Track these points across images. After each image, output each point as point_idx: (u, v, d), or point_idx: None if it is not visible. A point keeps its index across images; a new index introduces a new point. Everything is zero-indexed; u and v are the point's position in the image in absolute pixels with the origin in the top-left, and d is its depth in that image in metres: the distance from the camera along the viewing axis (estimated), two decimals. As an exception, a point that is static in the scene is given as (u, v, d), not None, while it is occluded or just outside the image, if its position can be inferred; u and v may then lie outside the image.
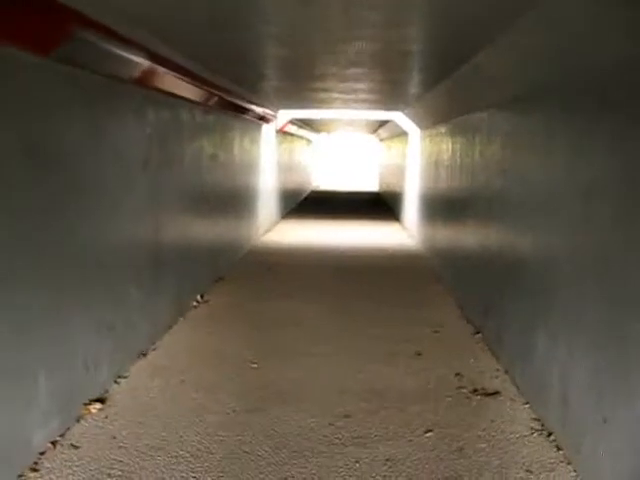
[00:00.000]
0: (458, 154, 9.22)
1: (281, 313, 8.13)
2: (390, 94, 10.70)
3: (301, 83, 9.57)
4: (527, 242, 5.64)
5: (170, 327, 7.33)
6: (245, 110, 10.84)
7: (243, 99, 10.71)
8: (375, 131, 27.69)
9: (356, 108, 13.71)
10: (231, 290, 9.35)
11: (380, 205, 24.74)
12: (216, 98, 8.83)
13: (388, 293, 9.40)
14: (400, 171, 19.76)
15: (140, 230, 6.40)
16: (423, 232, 13.33)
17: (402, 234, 16.07)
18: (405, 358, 6.48)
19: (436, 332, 7.41)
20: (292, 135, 21.01)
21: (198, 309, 8.26)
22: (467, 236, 8.36)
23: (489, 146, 7.36)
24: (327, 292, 9.30)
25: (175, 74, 6.82)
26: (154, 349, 6.59)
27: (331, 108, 14.10)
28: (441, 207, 10.81)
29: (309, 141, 29.47)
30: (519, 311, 5.72)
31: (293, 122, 18.46)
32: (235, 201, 11.47)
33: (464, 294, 8.42)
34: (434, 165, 11.79)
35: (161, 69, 6.33)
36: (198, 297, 8.65)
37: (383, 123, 21.04)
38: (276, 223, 17.42)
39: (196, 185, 8.58)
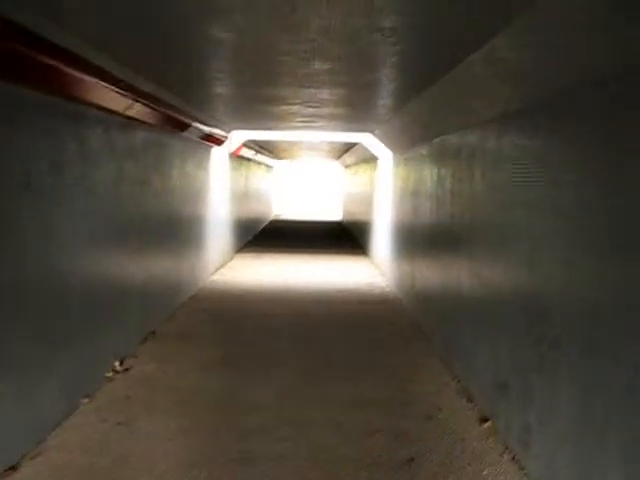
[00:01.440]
0: (448, 181, 7.41)
1: (222, 393, 6.17)
2: (358, 108, 8.91)
3: (255, 93, 7.71)
4: (559, 284, 3.81)
5: (67, 416, 5.34)
6: (187, 127, 8.95)
7: (185, 115, 8.82)
8: (339, 157, 25.96)
9: (320, 128, 11.89)
10: (162, 353, 7.36)
11: (345, 236, 22.92)
12: (147, 110, 6.96)
13: (361, 358, 7.49)
14: (367, 200, 17.97)
15: (26, 269, 4.43)
16: (397, 270, 11.49)
17: (371, 271, 14.22)
18: (391, 469, 4.57)
19: (429, 419, 5.52)
20: (249, 160, 19.14)
21: (113, 382, 6.26)
22: (466, 278, 6.53)
23: (495, 172, 5.56)
24: (284, 360, 7.34)
25: (78, 71, 4.93)
26: (33, 457, 4.60)
27: (291, 129, 12.27)
28: (423, 242, 8.99)
29: (269, 167, 27.63)
30: (559, 396, 3.87)
31: (249, 146, 16.60)
32: (174, 234, 9.52)
33: (461, 359, 6.56)
34: (412, 194, 9.99)
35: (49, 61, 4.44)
36: (116, 363, 6.66)
37: (349, 147, 19.28)
38: (230, 259, 15.45)
39: (115, 216, 6.64)
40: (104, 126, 6.26)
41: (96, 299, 6.06)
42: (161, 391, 6.06)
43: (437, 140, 8.07)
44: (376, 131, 12.07)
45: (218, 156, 13.29)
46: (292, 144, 18.84)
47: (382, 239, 14.01)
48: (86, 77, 5.26)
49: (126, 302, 7.11)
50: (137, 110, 6.93)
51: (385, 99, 7.76)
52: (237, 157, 16.28)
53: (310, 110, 8.95)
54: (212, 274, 12.88)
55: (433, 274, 8.17)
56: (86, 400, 5.71)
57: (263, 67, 5.99)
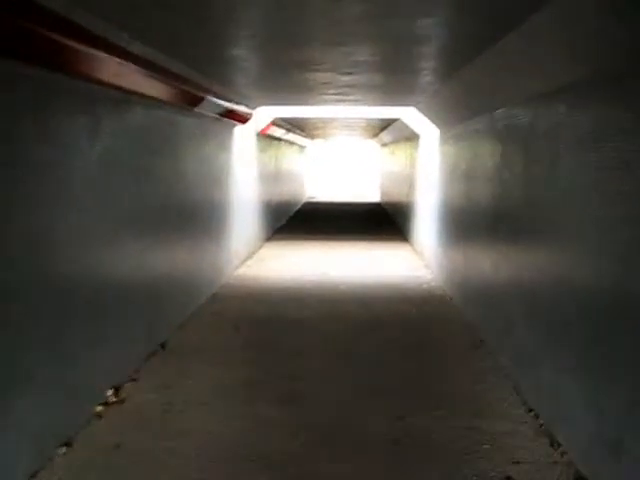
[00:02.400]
0: (518, 161, 5.98)
1: (243, 440, 4.89)
2: (401, 75, 7.51)
3: (280, 57, 6.36)
4: None
5: (32, 476, 4.09)
6: (200, 101, 7.64)
7: (198, 87, 7.52)
8: (376, 135, 24.49)
9: (355, 102, 10.48)
10: (170, 374, 6.09)
11: (383, 219, 21.50)
12: (148, 80, 5.72)
13: (411, 382, 6.15)
14: (407, 181, 16.52)
15: None
16: (446, 261, 10.08)
17: (414, 261, 12.81)
18: None
19: None
20: (279, 140, 17.80)
21: (101, 422, 5.01)
22: (543, 277, 5.14)
23: (592, 153, 4.16)
24: (322, 386, 6.03)
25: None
26: None
27: (324, 103, 10.88)
28: (482, 231, 7.57)
29: (301, 147, 26.27)
30: None
31: (279, 124, 15.26)
32: (190, 224, 8.23)
33: (541, 387, 5.18)
34: (465, 175, 8.56)
35: None
36: (109, 392, 5.41)
37: (387, 125, 17.83)
38: (258, 248, 14.16)
39: (107, 207, 5.37)
40: (86, 100, 4.96)
41: (82, 307, 4.79)
42: (161, 437, 4.78)
43: (500, 112, 6.63)
44: (420, 104, 10.63)
45: (243, 135, 11.97)
46: (325, 122, 17.44)
47: (426, 224, 12.60)
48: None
49: (127, 309, 5.86)
50: (132, 80, 5.65)
51: (436, 60, 6.34)
52: (266, 136, 14.96)
53: (344, 79, 7.56)
54: (237, 267, 11.61)
55: (496, 269, 6.76)
56: (63, 450, 4.47)
57: (289, 15, 4.64)
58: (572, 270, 4.46)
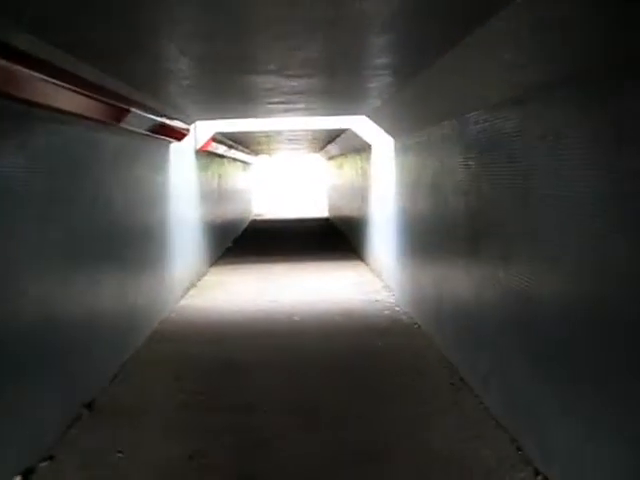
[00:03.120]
0: (504, 173, 5.06)
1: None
2: (353, 82, 6.59)
3: (217, 53, 5.35)
4: None
5: None
6: (125, 114, 6.57)
7: (123, 100, 6.47)
8: (322, 148, 23.59)
9: (303, 111, 9.52)
10: (94, 449, 4.95)
11: (333, 235, 20.57)
12: (55, 90, 4.67)
13: (388, 440, 5.16)
14: (358, 194, 15.62)
15: None
16: (410, 282, 9.15)
17: (372, 282, 11.85)
18: None
19: None
20: (221, 157, 16.73)
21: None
22: (546, 295, 4.21)
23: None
24: (288, 462, 5.00)
25: None
26: None
27: (268, 113, 9.90)
28: (455, 246, 6.66)
29: (246, 164, 25.22)
30: None
31: (220, 140, 14.20)
32: (117, 254, 7.15)
33: (558, 443, 4.24)
34: (430, 187, 7.65)
35: None
36: (16, 481, 4.29)
37: (334, 137, 16.93)
38: (203, 274, 13.04)
39: None
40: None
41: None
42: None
43: (475, 115, 5.73)
44: (374, 112, 9.72)
45: (180, 153, 10.89)
46: (269, 136, 16.43)
47: (382, 241, 11.68)
48: None
49: (39, 362, 4.76)
50: (33, 88, 4.59)
51: (394, 54, 5.39)
52: (206, 154, 13.89)
53: (291, 84, 6.58)
54: (180, 298, 10.49)
55: (477, 292, 5.83)
56: None
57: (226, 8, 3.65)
58: (585, 289, 3.54)
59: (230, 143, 16.33)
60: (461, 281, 6.37)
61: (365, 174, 14.22)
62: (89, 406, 5.69)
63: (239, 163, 22.43)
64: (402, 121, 8.73)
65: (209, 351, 7.57)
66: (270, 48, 4.88)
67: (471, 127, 5.85)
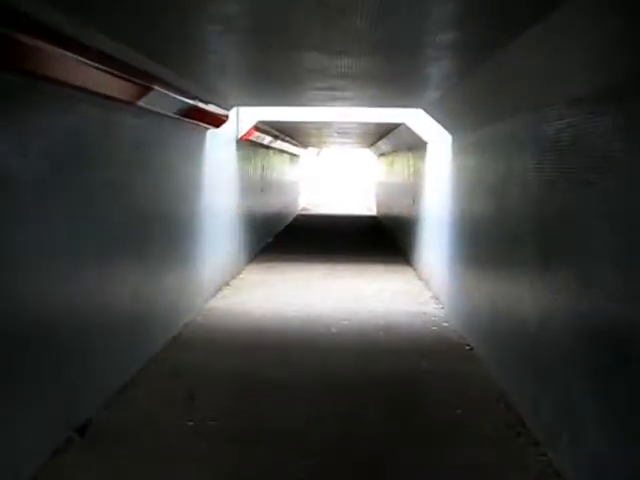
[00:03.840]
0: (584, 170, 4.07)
1: None
2: (409, 67, 5.65)
3: (260, 42, 4.47)
4: None
5: None
6: (146, 93, 5.74)
7: (146, 76, 5.67)
8: (373, 144, 22.62)
9: (351, 100, 8.60)
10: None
11: (380, 235, 19.60)
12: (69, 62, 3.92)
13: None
14: (410, 194, 14.60)
15: None
16: (462, 295, 8.17)
17: (420, 291, 10.85)
18: None
19: None
20: (266, 148, 15.89)
21: None
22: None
23: None
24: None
25: None
26: None
27: (314, 101, 9.00)
28: (527, 257, 5.67)
29: (293, 156, 24.38)
30: None
31: (264, 130, 13.35)
32: (139, 247, 6.34)
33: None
34: (494, 190, 6.66)
35: None
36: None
37: (386, 132, 15.95)
38: (239, 271, 12.21)
39: None
40: None
41: None
42: None
43: (555, 109, 4.73)
44: (431, 105, 8.74)
45: (219, 141, 10.05)
46: (318, 127, 15.56)
47: (433, 246, 10.69)
48: None
49: (9, 376, 3.95)
50: (37, 58, 3.81)
51: (462, 30, 4.44)
52: (249, 143, 13.06)
53: (337, 63, 5.65)
54: (210, 298, 9.67)
55: (547, 314, 4.84)
56: None
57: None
58: None
59: (276, 133, 15.48)
60: (524, 300, 5.38)
61: (418, 173, 13.22)
62: (81, 430, 4.86)
63: (286, 155, 21.59)
64: (464, 115, 7.74)
65: (233, 364, 6.72)
66: (313, 15, 3.96)
67: (550, 124, 4.86)
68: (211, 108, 8.29)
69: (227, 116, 9.40)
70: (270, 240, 17.26)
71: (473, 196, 7.64)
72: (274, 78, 6.85)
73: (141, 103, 5.82)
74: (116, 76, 5.10)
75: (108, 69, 4.91)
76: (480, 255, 7.22)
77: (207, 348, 7.24)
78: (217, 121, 8.95)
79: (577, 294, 4.18)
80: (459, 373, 6.58)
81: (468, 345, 7.51)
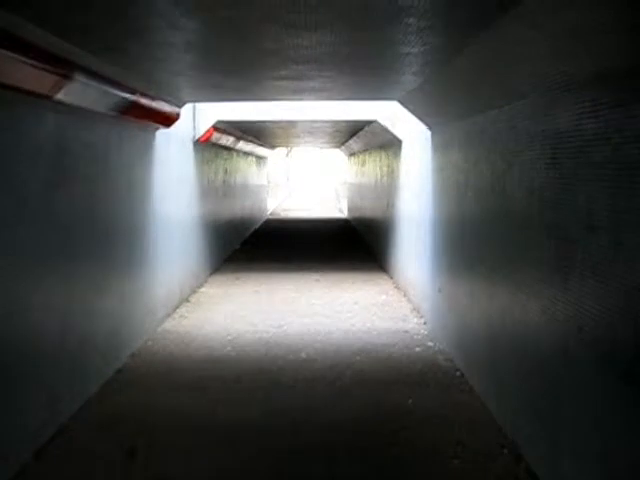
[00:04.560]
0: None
1: None
2: (381, 50, 4.66)
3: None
4: None
5: None
6: (65, 83, 4.68)
7: (70, 67, 4.62)
8: (343, 143, 21.64)
9: (318, 92, 7.58)
10: None
11: (353, 239, 18.63)
12: None
13: None
14: (385, 195, 13.62)
15: None
16: (449, 310, 7.19)
17: (399, 304, 9.84)
18: None
19: None
20: (229, 150, 14.83)
21: None
22: None
23: None
24: None
25: None
26: None
27: (276, 95, 7.97)
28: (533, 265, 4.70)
29: (259, 158, 23.31)
30: None
31: (225, 130, 12.28)
32: (69, 266, 5.26)
33: None
34: (483, 188, 5.69)
35: None
36: None
37: (357, 130, 14.98)
38: (201, 284, 11.12)
39: None
40: None
41: None
42: None
43: (570, 92, 3.76)
44: (406, 96, 7.75)
45: (172, 143, 8.99)
46: (284, 128, 14.53)
47: (413, 252, 9.72)
48: None
49: None
50: None
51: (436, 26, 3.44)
52: (210, 145, 11.99)
53: (296, 42, 4.62)
54: (165, 318, 8.59)
55: (558, 336, 3.87)
56: None
57: None
58: None
59: (239, 134, 14.42)
60: (529, 319, 4.42)
61: (393, 173, 12.24)
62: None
63: (251, 157, 20.52)
64: (448, 105, 6.76)
65: (186, 405, 5.66)
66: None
67: (563, 110, 3.89)
68: (158, 104, 7.24)
69: (178, 114, 8.33)
70: (236, 247, 16.19)
71: (458, 196, 6.66)
72: (227, 64, 5.81)
73: (61, 97, 4.75)
74: (21, 62, 4.05)
75: (9, 52, 3.87)
76: (470, 264, 6.24)
77: (154, 386, 6.16)
78: (166, 120, 7.89)
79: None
80: (452, 408, 5.58)
81: (458, 370, 6.53)
